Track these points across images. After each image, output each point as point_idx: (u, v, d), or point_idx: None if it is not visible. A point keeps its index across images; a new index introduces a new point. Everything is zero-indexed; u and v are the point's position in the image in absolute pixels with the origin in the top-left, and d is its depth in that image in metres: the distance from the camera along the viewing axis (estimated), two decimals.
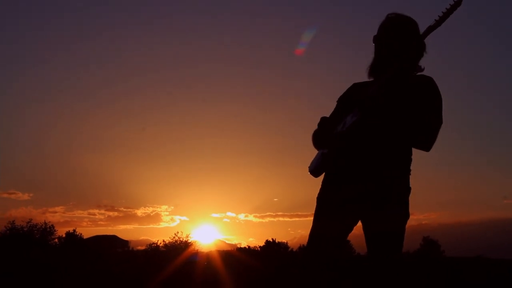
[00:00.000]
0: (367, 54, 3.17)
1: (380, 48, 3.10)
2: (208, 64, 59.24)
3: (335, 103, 3.32)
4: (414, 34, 3.07)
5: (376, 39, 3.12)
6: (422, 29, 3.04)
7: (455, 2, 2.94)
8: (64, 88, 57.49)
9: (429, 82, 3.04)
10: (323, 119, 3.15)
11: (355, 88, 3.25)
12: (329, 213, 3.06)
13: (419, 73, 3.06)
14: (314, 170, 3.19)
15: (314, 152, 3.26)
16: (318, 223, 3.11)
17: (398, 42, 3.04)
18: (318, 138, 3.20)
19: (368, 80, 3.21)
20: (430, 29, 3.00)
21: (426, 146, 2.95)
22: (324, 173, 3.18)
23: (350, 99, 3.17)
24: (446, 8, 2.95)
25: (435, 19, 2.98)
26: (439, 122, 2.97)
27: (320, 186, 3.20)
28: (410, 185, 3.04)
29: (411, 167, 3.08)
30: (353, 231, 3.12)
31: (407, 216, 3.01)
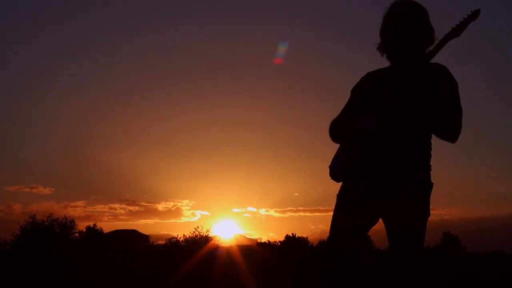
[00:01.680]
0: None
1: (396, 35, 2.99)
2: (233, 58, 59.25)
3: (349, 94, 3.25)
4: (428, 22, 3.01)
5: (391, 25, 3.01)
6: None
7: (472, 12, 2.89)
8: (87, 83, 57.97)
9: (445, 72, 2.99)
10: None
11: (370, 79, 3.18)
12: (349, 209, 3.04)
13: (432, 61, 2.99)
14: (337, 176, 3.15)
15: (336, 146, 3.21)
16: (338, 219, 3.09)
17: (418, 30, 2.97)
18: (339, 130, 3.16)
19: (381, 67, 3.15)
20: (447, 38, 2.94)
21: (453, 137, 2.93)
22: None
23: (366, 91, 3.12)
24: (463, 18, 2.92)
25: (452, 27, 2.93)
26: (461, 111, 2.93)
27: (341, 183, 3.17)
28: (432, 181, 3.00)
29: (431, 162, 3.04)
30: (373, 227, 3.10)
31: (428, 213, 2.97)
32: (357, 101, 3.16)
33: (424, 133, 2.99)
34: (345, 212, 3.06)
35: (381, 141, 2.96)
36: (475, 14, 2.90)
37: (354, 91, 3.22)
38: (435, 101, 2.86)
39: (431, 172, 3.02)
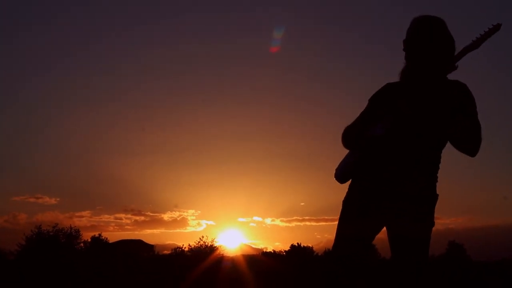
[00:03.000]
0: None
1: (420, 53, 2.98)
2: (236, 67, 59.31)
3: (367, 102, 3.22)
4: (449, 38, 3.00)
5: (415, 43, 2.99)
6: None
7: (493, 26, 2.88)
8: (94, 93, 58.04)
9: (466, 89, 2.98)
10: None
11: (389, 90, 3.15)
12: (355, 217, 3.04)
13: (450, 79, 2.99)
14: (341, 177, 3.15)
15: (342, 155, 3.21)
16: (344, 227, 3.09)
17: (440, 48, 2.96)
18: (351, 136, 3.16)
19: (401, 81, 3.13)
20: (466, 50, 2.93)
21: (474, 152, 2.92)
22: (351, 179, 3.15)
23: (383, 101, 3.10)
24: (484, 31, 2.90)
25: (472, 40, 2.91)
26: (480, 127, 2.92)
27: (346, 190, 3.17)
28: (437, 192, 3.01)
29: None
30: (378, 235, 3.09)
31: (432, 223, 2.98)
32: (373, 110, 3.14)
33: (437, 146, 3.00)
34: (351, 219, 3.06)
35: (390, 146, 2.95)
36: (496, 28, 2.88)
37: (372, 100, 3.19)
38: (460, 117, 2.84)
39: (437, 183, 3.02)
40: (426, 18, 3.02)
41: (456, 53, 2.96)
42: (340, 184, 3.18)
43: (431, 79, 2.93)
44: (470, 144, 2.89)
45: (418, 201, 2.92)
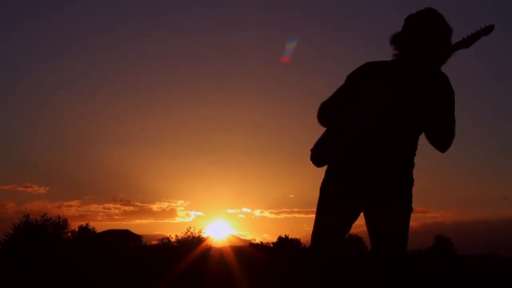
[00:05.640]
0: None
1: (424, 43, 2.94)
2: (227, 61, 59.22)
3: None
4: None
5: (424, 32, 2.95)
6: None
7: (486, 26, 2.86)
8: (81, 84, 57.91)
9: (447, 80, 3.01)
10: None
11: (369, 70, 3.12)
12: (332, 205, 3.05)
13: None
14: (319, 162, 3.14)
15: None
16: (320, 220, 3.09)
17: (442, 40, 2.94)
18: (328, 115, 3.14)
19: (382, 60, 3.12)
20: (455, 46, 2.91)
21: (448, 145, 2.97)
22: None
23: (362, 80, 3.07)
24: (476, 30, 2.88)
25: (462, 37, 2.90)
26: (454, 123, 2.98)
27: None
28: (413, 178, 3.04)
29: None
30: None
31: (411, 209, 3.00)
32: (351, 89, 3.12)
33: (416, 133, 3.01)
34: (327, 208, 3.07)
35: (373, 135, 2.95)
36: (488, 29, 2.86)
37: (351, 78, 3.16)
38: (439, 107, 2.87)
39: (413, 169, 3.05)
40: (427, 10, 2.99)
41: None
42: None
43: (421, 67, 2.90)
44: (445, 139, 2.94)
45: (396, 184, 2.95)
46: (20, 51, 55.98)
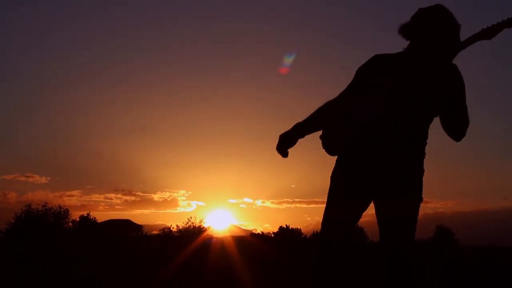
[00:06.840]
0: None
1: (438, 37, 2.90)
2: (230, 50, 59.17)
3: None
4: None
5: (438, 27, 2.90)
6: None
7: (508, 18, 2.71)
8: (83, 74, 57.81)
9: (457, 70, 2.97)
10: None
11: (378, 62, 3.09)
12: (342, 194, 3.04)
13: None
14: (332, 151, 3.12)
15: None
16: (331, 209, 3.08)
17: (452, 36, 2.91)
18: (334, 111, 3.13)
19: (390, 53, 3.09)
20: (475, 38, 2.78)
21: (463, 133, 2.96)
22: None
23: (371, 73, 3.05)
24: (497, 22, 2.73)
25: (482, 28, 2.76)
26: (466, 110, 2.95)
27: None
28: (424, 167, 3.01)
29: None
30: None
31: (421, 199, 2.98)
32: (360, 80, 3.09)
33: (425, 123, 2.98)
34: (338, 197, 3.05)
35: (377, 129, 2.91)
36: (511, 21, 2.71)
37: (359, 70, 3.13)
38: (447, 98, 2.85)
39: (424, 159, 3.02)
40: (437, 6, 2.96)
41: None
42: (331, 165, 3.14)
43: (433, 58, 2.84)
44: (458, 128, 2.93)
45: (406, 175, 2.92)
46: (20, 39, 55.78)
